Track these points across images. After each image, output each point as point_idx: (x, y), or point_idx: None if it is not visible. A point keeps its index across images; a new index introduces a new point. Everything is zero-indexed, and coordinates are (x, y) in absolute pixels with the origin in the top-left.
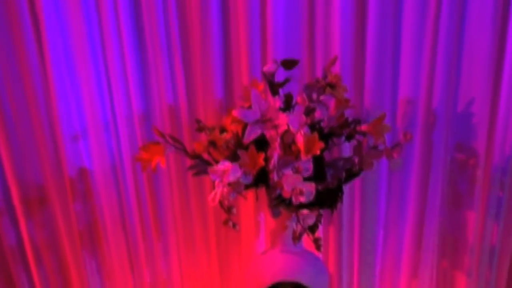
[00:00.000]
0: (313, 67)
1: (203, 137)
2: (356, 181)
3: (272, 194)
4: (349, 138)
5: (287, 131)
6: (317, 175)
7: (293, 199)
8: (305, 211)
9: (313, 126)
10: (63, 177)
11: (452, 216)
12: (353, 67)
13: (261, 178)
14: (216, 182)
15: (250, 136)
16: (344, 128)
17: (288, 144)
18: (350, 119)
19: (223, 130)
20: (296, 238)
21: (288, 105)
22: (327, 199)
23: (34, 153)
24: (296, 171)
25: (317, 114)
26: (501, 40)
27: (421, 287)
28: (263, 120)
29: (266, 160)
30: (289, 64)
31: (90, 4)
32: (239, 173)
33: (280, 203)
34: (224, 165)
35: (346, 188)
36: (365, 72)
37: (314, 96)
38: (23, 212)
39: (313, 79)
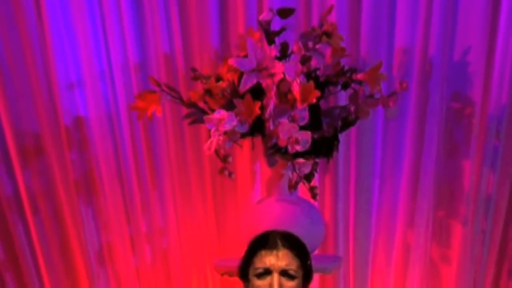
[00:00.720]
0: (309, 16)
1: (199, 86)
2: (352, 130)
3: (268, 143)
4: (345, 86)
5: (283, 80)
6: (313, 124)
7: (289, 148)
8: (301, 160)
9: (309, 75)
10: (59, 126)
11: (448, 165)
12: (349, 15)
13: (257, 127)
14: (212, 130)
15: (246, 84)
16: (340, 77)
17: (284, 93)
18: (346, 68)
19: (219, 78)
20: (292, 186)
21: (284, 54)
22: (323, 147)
23: (30, 103)
24: (292, 119)
25: (313, 63)
26: None
27: (417, 236)
28: (259, 69)
29: (262, 108)
30: (285, 12)
31: None
32: (235, 122)
33: (276, 152)
34: (220, 114)
35: (342, 136)
36: (361, 21)
37: (310, 45)
38: (19, 161)
39: (309, 28)
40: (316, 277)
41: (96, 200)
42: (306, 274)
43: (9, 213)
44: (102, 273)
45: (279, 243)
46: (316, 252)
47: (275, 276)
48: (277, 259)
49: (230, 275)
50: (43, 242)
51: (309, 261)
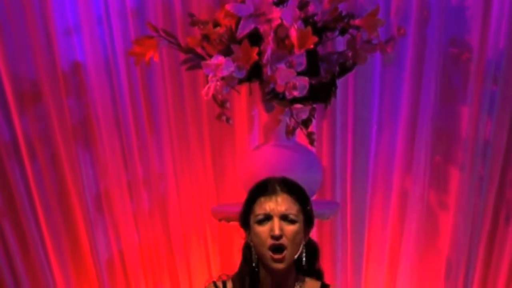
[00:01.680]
0: None
1: (197, 32)
2: (350, 76)
3: (265, 88)
4: (342, 32)
5: (280, 26)
6: (311, 70)
7: (287, 94)
8: (298, 106)
9: (307, 21)
10: (56, 72)
11: (445, 110)
12: None
13: (255, 73)
14: (210, 76)
15: (244, 30)
16: (337, 23)
17: (281, 39)
18: (343, 14)
19: (216, 24)
20: (290, 132)
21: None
22: (320, 93)
23: (27, 49)
24: (290, 65)
25: (311, 8)
26: None
27: (414, 182)
28: (257, 14)
29: (260, 54)
30: None
31: None
32: (232, 68)
33: (274, 98)
34: (218, 60)
35: (339, 82)
36: None
37: None
38: (17, 107)
39: None
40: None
41: (94, 146)
42: (307, 219)
43: (6, 159)
44: (100, 219)
45: (278, 188)
46: (313, 197)
47: (276, 220)
48: (276, 204)
49: (228, 220)
50: (40, 188)
51: (309, 206)
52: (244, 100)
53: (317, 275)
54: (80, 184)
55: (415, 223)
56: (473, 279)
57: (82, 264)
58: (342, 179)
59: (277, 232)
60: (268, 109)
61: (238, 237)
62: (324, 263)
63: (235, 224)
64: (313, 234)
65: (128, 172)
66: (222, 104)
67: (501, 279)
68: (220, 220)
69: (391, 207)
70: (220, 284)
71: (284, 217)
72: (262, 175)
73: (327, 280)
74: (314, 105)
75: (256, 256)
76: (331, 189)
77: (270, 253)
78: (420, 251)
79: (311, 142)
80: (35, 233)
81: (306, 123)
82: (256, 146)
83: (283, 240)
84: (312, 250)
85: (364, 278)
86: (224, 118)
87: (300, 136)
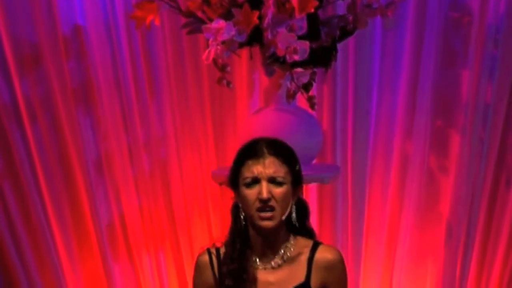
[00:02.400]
0: None
1: None
2: (350, 40)
3: (266, 52)
4: None
5: None
6: (311, 33)
7: (287, 57)
8: (299, 70)
9: None
10: (57, 35)
11: (446, 74)
12: None
13: (255, 37)
14: (210, 40)
15: None
16: None
17: (282, 2)
18: None
19: None
20: (290, 96)
21: None
22: (321, 57)
23: (27, 12)
24: (290, 29)
25: None
26: None
27: (415, 146)
28: None
29: (260, 18)
30: None
31: None
32: (233, 32)
33: (274, 62)
34: (218, 23)
35: (340, 46)
36: None
37: None
38: (17, 70)
39: None
40: (313, 187)
41: (94, 110)
42: (295, 180)
43: (7, 123)
44: (100, 183)
45: (265, 151)
46: (314, 161)
47: (264, 184)
48: (264, 167)
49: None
50: (41, 151)
51: (297, 167)
52: (244, 64)
53: (309, 233)
54: (80, 147)
55: (416, 187)
56: (474, 243)
57: (82, 227)
58: (343, 143)
59: (265, 195)
60: (269, 73)
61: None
62: (325, 227)
63: None
64: (313, 198)
65: (129, 136)
66: (222, 68)
67: (502, 243)
68: (220, 184)
69: (391, 171)
70: (213, 250)
71: (272, 180)
72: None
73: (327, 243)
74: (315, 69)
75: (244, 216)
76: (331, 153)
77: (258, 213)
78: (420, 215)
79: (312, 106)
80: (36, 197)
81: (306, 87)
82: (256, 110)
83: (272, 202)
84: (302, 208)
85: (365, 242)
86: (224, 82)
87: (301, 100)
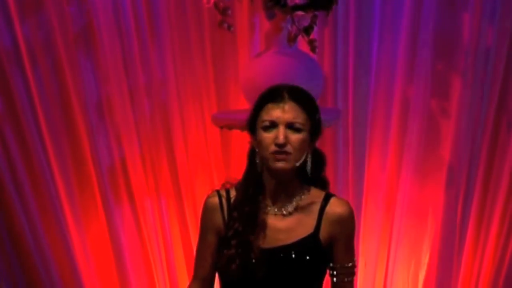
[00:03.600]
0: None
1: None
2: None
3: None
4: None
5: None
6: None
7: (288, 0)
8: (300, 13)
9: None
10: None
11: (447, 17)
12: None
13: None
14: None
15: None
16: None
17: None
18: None
19: None
20: (291, 39)
21: None
22: (322, 0)
23: None
24: None
25: None
26: None
27: (416, 89)
28: None
29: None
30: None
31: None
32: None
33: (275, 5)
34: None
35: None
36: None
37: None
38: (18, 14)
39: None
40: None
41: (95, 53)
42: (314, 129)
43: (8, 67)
44: (101, 126)
45: (286, 96)
46: None
47: (281, 128)
48: (283, 112)
49: (229, 128)
50: (42, 95)
51: (317, 116)
52: (245, 7)
53: (322, 184)
54: (81, 91)
55: (417, 131)
56: (474, 186)
57: (83, 171)
58: (344, 86)
59: (281, 140)
60: (270, 16)
61: (238, 144)
62: (326, 171)
63: (236, 131)
64: None
65: (129, 80)
66: (223, 12)
67: (503, 186)
68: (221, 127)
69: (392, 114)
70: (223, 193)
71: (290, 126)
72: (263, 82)
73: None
74: (316, 13)
75: (260, 161)
76: (332, 96)
77: (273, 155)
78: (421, 159)
79: (313, 50)
80: (37, 140)
81: (307, 30)
82: (257, 54)
83: (287, 148)
84: (318, 159)
85: (366, 185)
86: (225, 25)
87: (302, 43)
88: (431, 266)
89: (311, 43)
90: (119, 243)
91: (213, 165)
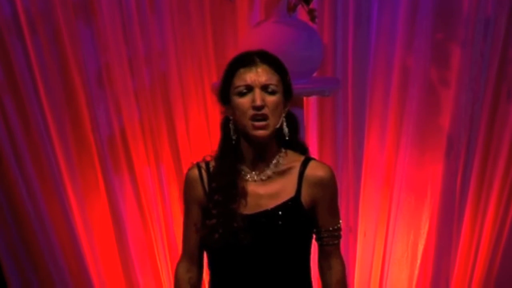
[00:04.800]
0: None
1: None
2: None
3: None
4: None
5: None
6: None
7: None
8: None
9: None
10: None
11: None
12: None
13: None
14: None
15: None
16: None
17: None
18: None
19: None
20: (291, 9)
21: None
22: None
23: None
24: None
25: None
26: None
27: (416, 59)
28: None
29: None
30: None
31: None
32: None
33: None
34: None
35: None
36: None
37: None
38: None
39: None
40: (314, 100)
41: (94, 22)
42: (286, 91)
43: (7, 35)
44: (101, 95)
45: (257, 59)
46: (314, 74)
47: (257, 91)
48: (257, 75)
49: None
50: (41, 64)
51: (288, 77)
52: None
53: (302, 149)
54: (80, 59)
55: (416, 100)
56: (474, 155)
57: (83, 140)
58: (343, 56)
59: (259, 102)
60: None
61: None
62: (325, 140)
63: None
64: (314, 111)
65: (129, 48)
66: None
67: (503, 155)
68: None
69: (392, 84)
70: (203, 165)
71: (265, 88)
72: None
73: (328, 157)
74: None
75: (235, 130)
76: (332, 66)
77: (252, 122)
78: (421, 128)
79: (312, 19)
80: (36, 109)
81: (307, 0)
82: (257, 23)
83: (265, 111)
84: (292, 122)
85: (365, 154)
86: None
87: (301, 13)
88: (431, 235)
89: (310, 12)
90: (119, 212)
91: (212, 134)
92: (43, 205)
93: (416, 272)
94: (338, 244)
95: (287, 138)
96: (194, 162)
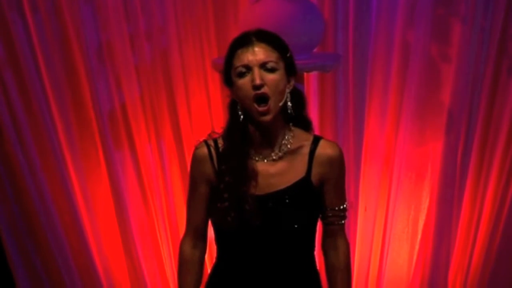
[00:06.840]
0: None
1: None
2: None
3: None
4: None
5: None
6: None
7: None
8: None
9: None
10: None
11: None
12: None
13: None
14: None
15: None
16: None
17: None
18: None
19: None
20: None
21: None
22: None
23: None
24: None
25: None
26: None
27: (417, 34)
28: None
29: None
30: None
31: None
32: None
33: None
34: None
35: None
36: None
37: None
38: None
39: None
40: (315, 76)
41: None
42: (289, 67)
43: (8, 11)
44: (102, 71)
45: (254, 39)
46: (315, 50)
47: (255, 70)
48: (253, 54)
49: None
50: (42, 41)
51: (288, 53)
52: None
53: (305, 124)
54: (81, 35)
55: (417, 75)
56: (475, 130)
57: (83, 115)
58: (344, 31)
59: (257, 81)
60: None
61: None
62: (326, 116)
63: None
64: (315, 88)
65: (130, 24)
66: None
67: (503, 131)
68: (221, 72)
69: (393, 59)
70: (211, 143)
71: (264, 66)
72: (264, 27)
73: (329, 132)
74: None
75: (242, 112)
76: (333, 41)
77: (255, 105)
78: (421, 104)
79: None
80: (37, 85)
81: None
82: None
83: (265, 89)
84: (298, 98)
85: (366, 131)
86: None
87: None
88: (431, 211)
89: None
90: (119, 187)
91: (213, 109)
92: (44, 181)
93: (417, 247)
94: (343, 225)
95: (290, 112)
96: (201, 140)
